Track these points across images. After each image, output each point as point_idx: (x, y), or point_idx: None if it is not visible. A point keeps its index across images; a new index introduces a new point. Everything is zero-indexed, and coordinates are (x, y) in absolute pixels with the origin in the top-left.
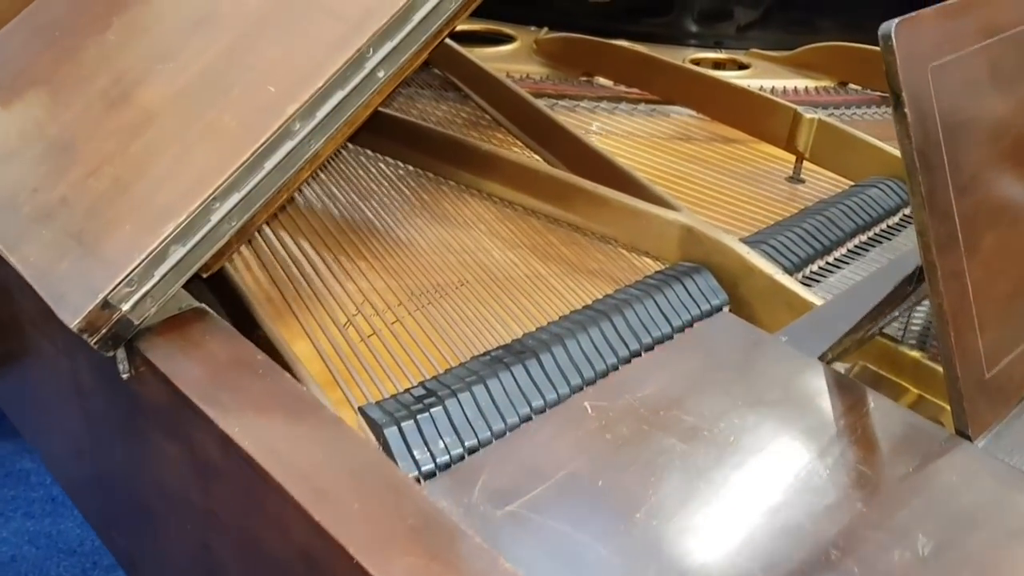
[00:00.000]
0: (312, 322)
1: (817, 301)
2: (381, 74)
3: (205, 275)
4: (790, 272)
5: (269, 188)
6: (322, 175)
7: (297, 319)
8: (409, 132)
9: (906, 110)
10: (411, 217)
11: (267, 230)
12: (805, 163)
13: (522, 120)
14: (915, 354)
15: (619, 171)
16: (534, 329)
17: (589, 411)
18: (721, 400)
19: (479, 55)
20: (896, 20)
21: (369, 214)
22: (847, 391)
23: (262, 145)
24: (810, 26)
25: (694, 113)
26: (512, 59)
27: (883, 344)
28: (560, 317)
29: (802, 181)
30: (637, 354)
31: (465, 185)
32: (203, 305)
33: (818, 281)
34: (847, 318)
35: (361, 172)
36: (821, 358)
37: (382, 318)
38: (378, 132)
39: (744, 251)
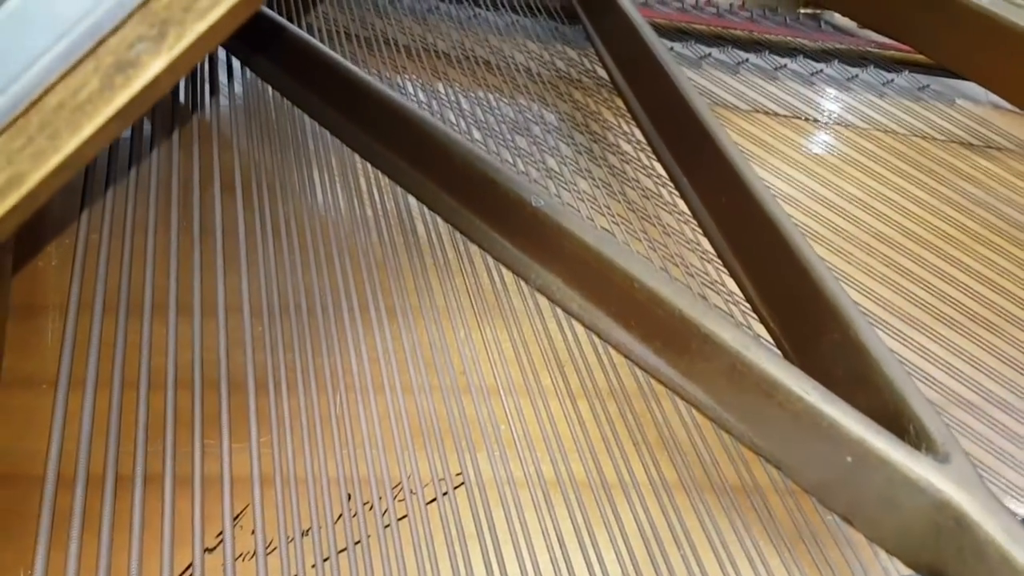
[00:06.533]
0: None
1: None
2: None
3: None
4: None
5: None
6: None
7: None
8: (402, 126)
9: None
10: (386, 296)
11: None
12: None
13: (649, 97)
14: None
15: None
16: None
17: None
18: None
19: None
20: None
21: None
22: None
23: None
24: None
25: (998, 100)
26: None
27: None
28: None
29: None
30: None
31: (496, 258)
32: None
33: None
34: None
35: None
36: None
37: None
38: (362, 117)
39: None
